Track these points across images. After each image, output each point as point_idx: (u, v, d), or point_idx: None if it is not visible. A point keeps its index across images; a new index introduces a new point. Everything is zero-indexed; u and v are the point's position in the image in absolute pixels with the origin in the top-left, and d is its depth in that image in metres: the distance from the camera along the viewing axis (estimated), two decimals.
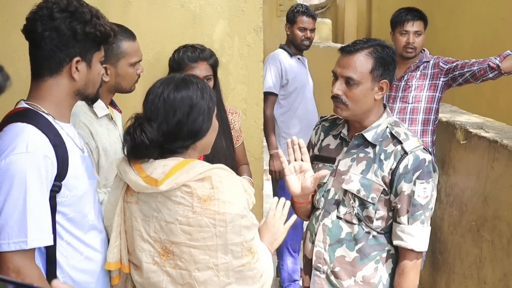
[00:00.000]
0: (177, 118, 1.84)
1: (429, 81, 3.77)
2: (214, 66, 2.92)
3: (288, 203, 2.24)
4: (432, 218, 3.84)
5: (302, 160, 2.28)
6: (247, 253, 1.87)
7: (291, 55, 4.63)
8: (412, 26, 3.84)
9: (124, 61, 2.46)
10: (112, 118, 2.52)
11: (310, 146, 2.56)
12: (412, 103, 3.77)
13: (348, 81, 2.24)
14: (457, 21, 7.23)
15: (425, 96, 3.76)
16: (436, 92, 3.74)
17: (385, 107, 2.39)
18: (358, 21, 11.13)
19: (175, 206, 1.81)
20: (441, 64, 3.77)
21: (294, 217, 2.25)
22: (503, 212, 2.95)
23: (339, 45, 4.12)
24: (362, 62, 2.23)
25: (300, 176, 2.26)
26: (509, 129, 3.32)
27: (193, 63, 2.85)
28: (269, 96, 4.40)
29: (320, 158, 2.47)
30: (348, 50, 2.28)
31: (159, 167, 1.82)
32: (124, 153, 1.89)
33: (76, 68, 1.87)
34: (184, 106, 1.85)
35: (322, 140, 2.50)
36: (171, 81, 1.90)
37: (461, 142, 3.49)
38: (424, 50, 3.91)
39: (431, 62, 3.81)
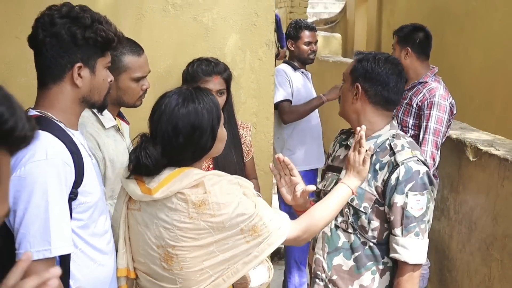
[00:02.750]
0: (180, 141, 1.86)
1: (414, 111, 3.77)
2: (228, 80, 2.93)
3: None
4: (441, 236, 3.84)
5: (291, 175, 2.30)
6: (251, 233, 1.88)
7: (294, 69, 4.67)
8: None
9: (125, 75, 2.44)
10: (119, 130, 2.51)
11: (327, 157, 2.65)
12: (400, 124, 3.78)
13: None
14: (467, 38, 7.22)
15: (411, 123, 3.77)
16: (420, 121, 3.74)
17: (393, 118, 2.43)
18: (367, 36, 11.15)
19: (171, 213, 1.84)
20: (423, 105, 3.73)
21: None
22: None
23: (349, 60, 4.14)
24: (351, 64, 2.44)
25: (291, 189, 2.29)
26: None
27: (207, 76, 2.86)
28: (285, 103, 4.41)
29: (331, 168, 2.54)
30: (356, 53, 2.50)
31: (156, 177, 1.87)
32: (128, 169, 1.92)
33: (79, 74, 1.86)
34: (188, 128, 1.86)
35: (336, 151, 2.57)
36: (176, 98, 1.90)
37: (471, 159, 3.48)
38: (433, 67, 3.90)
39: (423, 91, 3.76)
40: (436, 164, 3.59)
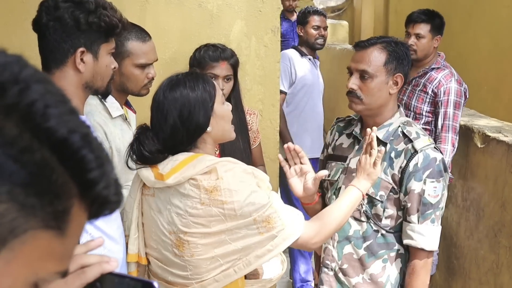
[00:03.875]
0: (169, 124, 1.86)
1: (429, 98, 3.74)
2: (235, 66, 2.91)
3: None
4: (449, 223, 3.82)
5: (301, 163, 2.27)
6: (265, 225, 1.84)
7: (301, 55, 4.64)
8: (413, 28, 3.84)
9: (128, 61, 2.41)
10: (126, 119, 2.49)
11: (325, 146, 2.60)
12: (413, 111, 3.77)
13: (363, 75, 2.27)
14: (476, 25, 7.16)
15: (426, 110, 3.74)
16: (436, 108, 3.71)
17: (399, 106, 2.41)
18: (375, 23, 11.08)
19: (184, 199, 1.84)
20: (439, 92, 3.70)
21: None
22: None
23: None
24: (376, 55, 2.27)
25: (302, 178, 2.26)
26: None
27: (214, 62, 2.84)
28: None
29: (333, 157, 2.50)
30: (362, 45, 2.32)
31: (170, 162, 1.86)
32: (125, 160, 1.93)
33: (82, 59, 1.85)
34: (173, 109, 1.86)
35: (336, 140, 2.52)
36: (164, 84, 1.92)
37: (479, 146, 3.45)
38: (439, 54, 3.88)
39: (439, 78, 3.74)
40: (455, 150, 3.58)
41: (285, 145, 2.27)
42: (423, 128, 3.61)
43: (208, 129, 1.90)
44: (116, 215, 1.97)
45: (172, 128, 1.86)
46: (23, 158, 0.54)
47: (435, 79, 3.73)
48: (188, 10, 3.24)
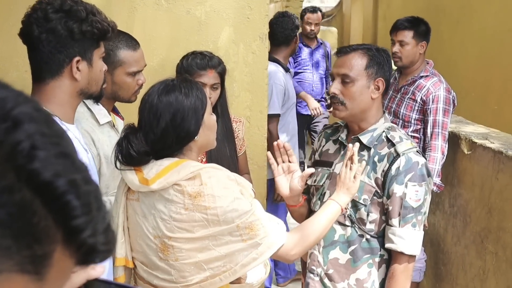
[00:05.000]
0: (161, 127, 1.87)
1: (418, 106, 3.76)
2: (222, 74, 2.90)
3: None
4: (436, 229, 3.84)
5: (289, 162, 2.30)
6: (248, 231, 1.86)
7: (286, 70, 4.58)
8: (396, 36, 3.87)
9: (120, 70, 2.41)
10: (114, 125, 2.48)
11: (312, 152, 2.63)
12: (402, 119, 3.79)
13: (345, 80, 2.31)
14: (463, 32, 7.21)
15: (415, 118, 3.77)
16: (425, 116, 3.73)
17: (384, 112, 2.43)
18: (364, 30, 11.12)
19: (168, 204, 1.85)
20: (428, 100, 3.71)
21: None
22: (507, 224, 2.93)
23: None
24: (357, 60, 2.31)
25: (289, 177, 2.28)
26: None
27: (202, 70, 2.82)
28: (274, 118, 4.27)
29: (319, 163, 2.52)
30: (343, 51, 2.37)
31: (154, 167, 1.87)
32: (113, 161, 1.93)
33: (77, 68, 1.84)
34: (166, 113, 1.87)
35: (323, 146, 2.55)
36: (158, 86, 1.92)
37: (466, 152, 3.48)
38: (428, 61, 3.90)
39: (427, 85, 3.75)
40: (445, 158, 3.60)
41: (275, 142, 2.30)
42: (411, 136, 3.64)
43: (196, 137, 1.92)
44: None
45: (163, 131, 1.87)
46: (3, 198, 0.52)
47: (424, 87, 3.75)
48: (176, 17, 3.24)
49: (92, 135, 2.34)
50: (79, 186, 0.58)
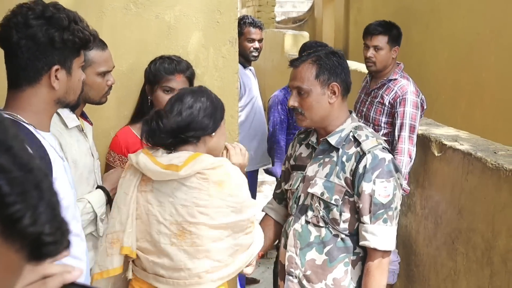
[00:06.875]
0: (190, 112, 2.09)
1: (387, 109, 3.78)
2: (191, 78, 2.88)
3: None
4: (408, 231, 3.86)
5: None
6: (250, 225, 2.18)
7: (244, 66, 4.55)
8: (371, 41, 3.87)
9: (90, 70, 2.38)
10: (82, 130, 2.46)
11: (287, 158, 2.67)
12: (372, 123, 3.81)
13: (300, 92, 2.37)
14: (433, 35, 7.30)
15: (384, 121, 3.79)
16: (394, 119, 3.75)
17: (351, 112, 2.46)
18: (335, 34, 11.21)
19: (190, 191, 2.03)
20: (395, 103, 3.73)
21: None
22: (477, 225, 2.96)
23: None
24: (306, 71, 2.37)
25: None
26: (483, 141, 3.34)
27: (170, 75, 2.79)
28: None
29: (294, 167, 2.57)
30: (294, 64, 2.44)
31: (174, 159, 2.05)
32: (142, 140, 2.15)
33: (56, 76, 1.79)
34: (198, 102, 2.13)
35: (297, 151, 2.59)
36: (191, 87, 2.26)
37: (436, 154, 3.50)
38: (398, 63, 3.93)
39: (395, 89, 3.77)
40: (413, 161, 3.61)
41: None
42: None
43: (213, 133, 2.15)
44: (78, 233, 1.93)
45: (190, 115, 2.09)
46: None
47: (392, 90, 3.77)
48: (145, 21, 3.21)
49: (60, 139, 2.30)
50: (9, 171, 0.55)
